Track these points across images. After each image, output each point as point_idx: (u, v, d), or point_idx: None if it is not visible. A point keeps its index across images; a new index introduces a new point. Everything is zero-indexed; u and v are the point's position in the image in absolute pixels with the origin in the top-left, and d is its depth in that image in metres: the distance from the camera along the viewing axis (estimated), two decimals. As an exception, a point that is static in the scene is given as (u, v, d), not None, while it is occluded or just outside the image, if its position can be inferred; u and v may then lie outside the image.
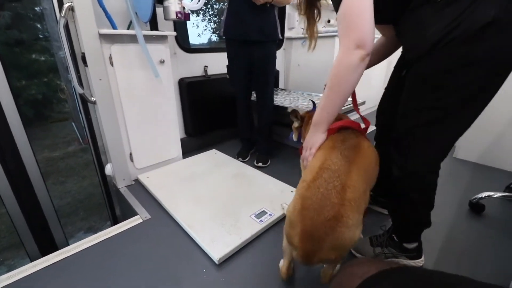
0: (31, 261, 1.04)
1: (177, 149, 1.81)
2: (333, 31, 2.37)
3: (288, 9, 2.56)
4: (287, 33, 2.64)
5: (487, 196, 1.35)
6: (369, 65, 0.99)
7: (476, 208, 1.34)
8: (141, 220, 1.27)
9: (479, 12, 0.59)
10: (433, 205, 0.89)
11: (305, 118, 1.14)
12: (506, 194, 1.40)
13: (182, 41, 1.96)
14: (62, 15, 1.18)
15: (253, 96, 1.91)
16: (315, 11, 1.04)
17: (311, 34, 1.09)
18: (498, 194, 1.37)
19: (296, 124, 1.22)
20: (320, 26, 2.93)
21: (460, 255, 1.08)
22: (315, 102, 1.27)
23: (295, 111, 1.20)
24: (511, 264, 1.01)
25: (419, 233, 0.96)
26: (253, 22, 1.56)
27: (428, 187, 0.86)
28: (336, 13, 0.74)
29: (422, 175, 0.83)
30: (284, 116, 1.65)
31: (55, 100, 2.47)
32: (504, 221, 1.28)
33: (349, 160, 0.72)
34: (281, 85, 2.79)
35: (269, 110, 1.82)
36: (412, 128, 0.78)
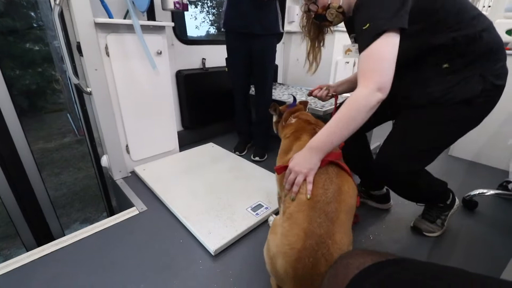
0: (27, 251, 1.04)
1: (174, 142, 1.80)
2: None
3: (289, 2, 2.53)
4: (287, 27, 2.62)
5: (480, 193, 1.37)
6: (344, 92, 1.21)
7: (470, 204, 1.36)
8: (137, 212, 1.27)
9: (471, 85, 0.83)
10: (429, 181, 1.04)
11: (284, 114, 1.12)
12: (499, 191, 1.42)
13: (180, 32, 1.93)
14: (57, 3, 1.15)
15: (252, 91, 1.90)
16: (322, 37, 1.09)
17: (314, 58, 1.11)
18: (491, 192, 1.39)
19: (274, 119, 1.20)
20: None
21: (453, 250, 1.10)
22: (296, 98, 1.26)
23: (274, 105, 1.18)
24: (502, 259, 1.03)
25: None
26: (253, 15, 1.53)
27: (412, 182, 1.01)
28: (358, 43, 0.76)
29: (403, 177, 0.98)
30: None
31: (50, 91, 2.43)
32: (496, 218, 1.31)
33: (333, 219, 0.69)
34: (279, 80, 2.78)
35: (267, 104, 1.81)
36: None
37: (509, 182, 1.48)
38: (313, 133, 0.88)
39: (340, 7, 0.88)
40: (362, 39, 0.73)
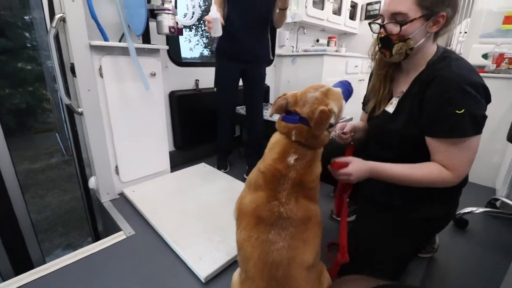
0: (4, 281, 0.97)
1: (166, 162, 1.77)
2: (321, 50, 2.46)
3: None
4: (278, 51, 2.72)
5: (470, 211, 1.39)
6: (358, 141, 1.08)
7: (460, 223, 1.37)
8: (124, 236, 1.22)
9: (434, 209, 0.88)
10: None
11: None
12: (488, 209, 1.45)
13: (174, 54, 1.98)
14: (53, 25, 1.17)
15: (239, 109, 1.93)
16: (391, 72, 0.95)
17: (382, 97, 0.98)
18: (480, 210, 1.42)
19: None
20: (309, 45, 3.04)
21: (446, 270, 1.09)
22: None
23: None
24: (496, 278, 1.03)
25: None
26: (247, 44, 1.59)
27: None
28: (441, 122, 0.74)
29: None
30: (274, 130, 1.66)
31: (40, 110, 2.39)
32: (487, 236, 1.32)
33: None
34: (271, 100, 2.84)
35: (259, 124, 1.84)
36: None
37: (496, 199, 1.51)
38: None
39: (412, 48, 0.78)
40: (454, 122, 0.71)
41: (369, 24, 0.86)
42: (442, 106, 0.72)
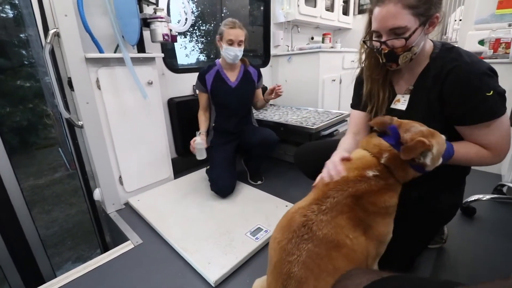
0: (14, 298, 0.98)
1: (168, 170, 1.78)
2: (317, 47, 2.46)
3: (273, 28, 2.66)
4: (273, 51, 2.72)
5: (477, 199, 1.37)
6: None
7: (468, 211, 1.36)
8: (132, 246, 1.22)
9: (441, 200, 0.87)
10: None
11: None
12: (495, 196, 1.43)
13: (170, 62, 1.99)
14: (48, 41, 1.18)
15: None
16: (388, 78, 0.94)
17: (382, 103, 0.96)
18: (487, 197, 1.40)
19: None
20: (304, 43, 3.04)
21: (456, 260, 1.08)
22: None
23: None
24: (507, 264, 1.02)
25: None
26: (236, 128, 1.73)
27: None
28: (478, 107, 0.73)
29: None
30: (276, 132, 1.66)
31: (41, 126, 2.41)
32: (495, 223, 1.30)
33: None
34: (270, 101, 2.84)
35: (269, 131, 1.68)
36: None
37: (503, 185, 1.50)
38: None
39: (416, 53, 0.80)
40: (487, 105, 0.72)
41: (364, 42, 0.86)
42: (471, 94, 0.73)
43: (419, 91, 0.84)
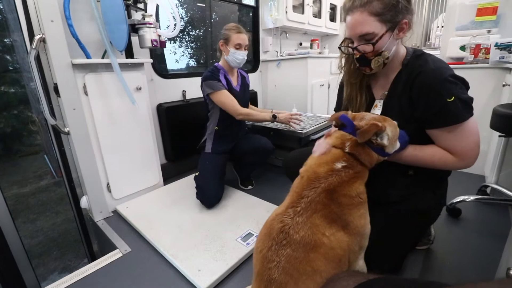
0: (-5, 312, 0.94)
1: (158, 176, 1.76)
2: (305, 53, 2.50)
3: (262, 34, 2.69)
4: (262, 56, 2.75)
5: (462, 200, 1.41)
6: None
7: (454, 212, 1.40)
8: (121, 254, 1.20)
9: (423, 200, 0.88)
10: None
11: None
12: (479, 196, 1.48)
13: (160, 67, 1.98)
14: (33, 46, 1.16)
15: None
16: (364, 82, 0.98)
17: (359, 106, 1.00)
18: (472, 198, 1.44)
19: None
20: (293, 49, 3.08)
21: (444, 261, 1.11)
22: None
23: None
24: (492, 264, 1.05)
25: None
26: (237, 133, 1.72)
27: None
28: (439, 114, 0.77)
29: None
30: (266, 137, 1.67)
31: (26, 133, 2.35)
32: (480, 223, 1.34)
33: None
34: (260, 105, 2.85)
35: (264, 139, 1.70)
36: None
37: (486, 186, 1.55)
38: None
39: (388, 58, 0.83)
40: (449, 110, 0.75)
41: (339, 47, 0.92)
42: (433, 99, 0.77)
43: (392, 97, 0.89)
